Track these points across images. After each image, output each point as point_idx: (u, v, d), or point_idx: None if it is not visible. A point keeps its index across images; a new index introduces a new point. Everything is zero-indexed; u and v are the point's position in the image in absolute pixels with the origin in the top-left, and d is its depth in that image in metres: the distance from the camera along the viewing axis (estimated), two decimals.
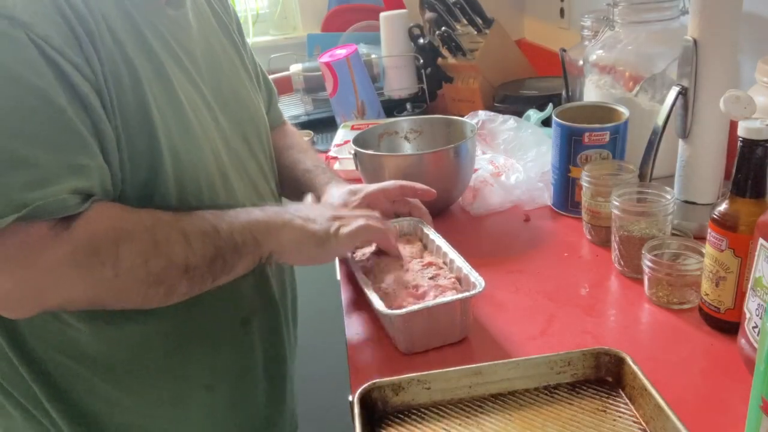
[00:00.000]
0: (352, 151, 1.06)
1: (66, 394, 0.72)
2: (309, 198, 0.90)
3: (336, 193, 0.90)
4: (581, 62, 1.13)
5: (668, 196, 0.81)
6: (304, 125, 1.61)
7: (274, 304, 0.87)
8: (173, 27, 0.74)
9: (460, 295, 0.72)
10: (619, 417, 0.59)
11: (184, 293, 0.66)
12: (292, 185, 0.97)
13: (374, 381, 0.61)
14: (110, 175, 0.64)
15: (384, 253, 0.83)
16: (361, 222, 0.76)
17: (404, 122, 1.15)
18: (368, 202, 0.88)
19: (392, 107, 1.61)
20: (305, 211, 0.76)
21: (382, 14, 1.59)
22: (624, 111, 0.96)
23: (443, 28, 1.51)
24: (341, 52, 1.49)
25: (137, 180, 0.66)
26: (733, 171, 0.66)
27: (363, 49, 1.61)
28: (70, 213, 0.59)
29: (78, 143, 0.60)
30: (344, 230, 0.74)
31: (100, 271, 0.60)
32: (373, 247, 0.85)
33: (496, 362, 0.63)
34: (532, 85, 1.47)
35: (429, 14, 1.56)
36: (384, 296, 0.74)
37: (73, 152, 0.60)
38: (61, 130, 0.59)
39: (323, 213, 0.77)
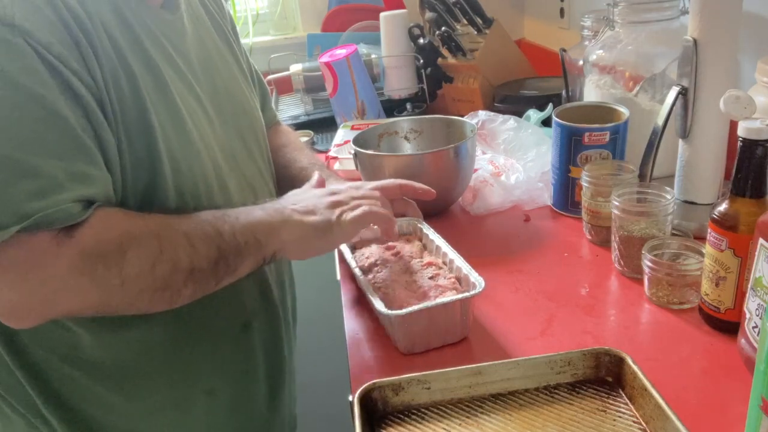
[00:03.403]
0: (352, 151, 1.06)
1: (65, 401, 0.72)
2: (314, 179, 0.84)
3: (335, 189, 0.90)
4: (581, 62, 1.13)
5: (668, 196, 0.81)
6: (304, 125, 1.61)
7: (274, 307, 0.87)
8: (169, 31, 0.73)
9: (460, 295, 0.72)
10: (619, 417, 0.59)
11: (189, 296, 0.66)
12: (288, 184, 0.96)
13: (374, 381, 0.61)
14: (112, 181, 0.63)
15: (387, 250, 0.83)
16: (365, 207, 0.74)
17: (404, 122, 1.15)
18: None
19: (392, 107, 1.61)
20: (303, 202, 0.74)
21: (382, 14, 1.59)
22: (624, 111, 0.96)
23: (443, 28, 1.51)
24: (341, 52, 1.49)
25: (138, 187, 0.66)
26: (733, 171, 0.66)
27: (363, 49, 1.60)
28: (74, 221, 0.58)
29: (80, 151, 0.59)
30: (347, 216, 0.73)
31: (106, 277, 0.59)
32: (373, 248, 0.86)
33: (496, 362, 0.63)
34: (532, 85, 1.47)
35: (429, 14, 1.56)
36: (384, 296, 0.74)
37: (76, 160, 0.59)
38: (64, 139, 0.58)
39: (321, 200, 0.75)
